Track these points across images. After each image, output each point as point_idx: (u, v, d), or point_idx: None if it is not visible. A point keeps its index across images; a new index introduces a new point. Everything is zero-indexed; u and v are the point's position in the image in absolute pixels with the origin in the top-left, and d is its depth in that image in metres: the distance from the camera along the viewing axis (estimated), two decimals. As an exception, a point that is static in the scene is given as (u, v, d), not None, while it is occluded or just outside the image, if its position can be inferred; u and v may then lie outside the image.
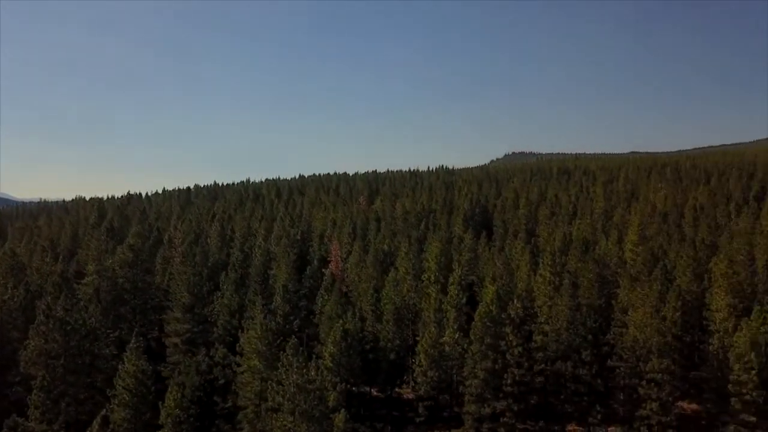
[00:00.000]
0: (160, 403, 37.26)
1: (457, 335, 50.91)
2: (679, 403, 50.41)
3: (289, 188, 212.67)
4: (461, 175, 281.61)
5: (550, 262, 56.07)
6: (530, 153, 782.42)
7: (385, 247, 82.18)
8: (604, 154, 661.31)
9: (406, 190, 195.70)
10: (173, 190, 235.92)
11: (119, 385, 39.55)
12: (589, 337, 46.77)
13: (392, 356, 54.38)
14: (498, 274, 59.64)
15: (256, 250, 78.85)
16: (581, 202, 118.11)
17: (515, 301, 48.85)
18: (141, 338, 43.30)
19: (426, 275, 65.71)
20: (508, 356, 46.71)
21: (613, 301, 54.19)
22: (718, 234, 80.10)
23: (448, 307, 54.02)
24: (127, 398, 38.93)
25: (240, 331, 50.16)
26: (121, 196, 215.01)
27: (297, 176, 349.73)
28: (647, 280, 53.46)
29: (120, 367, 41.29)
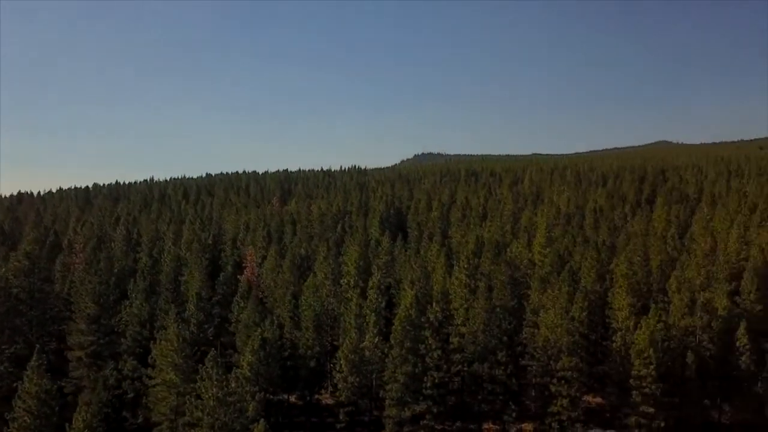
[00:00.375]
0: (67, 424, 34.86)
1: (377, 340, 51.25)
2: (585, 398, 53.36)
3: (197, 188, 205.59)
4: (374, 176, 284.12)
5: (465, 266, 57.65)
6: (438, 154, 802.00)
7: (302, 251, 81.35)
8: (509, 155, 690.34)
9: (320, 190, 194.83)
10: (70, 189, 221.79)
11: (19, 407, 36.61)
12: (504, 338, 48.58)
13: (312, 363, 53.89)
14: (416, 277, 60.58)
15: (166, 255, 75.60)
16: (490, 204, 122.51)
17: (434, 304, 49.90)
18: (43, 355, 40.26)
19: (345, 280, 65.67)
20: (427, 359, 47.59)
21: (525, 303, 56.51)
22: (616, 235, 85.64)
23: (368, 312, 54.24)
24: (28, 421, 36.13)
25: (152, 342, 47.95)
26: (10, 196, 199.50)
27: (204, 175, 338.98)
28: (556, 281, 56.13)
29: (19, 386, 38.29)
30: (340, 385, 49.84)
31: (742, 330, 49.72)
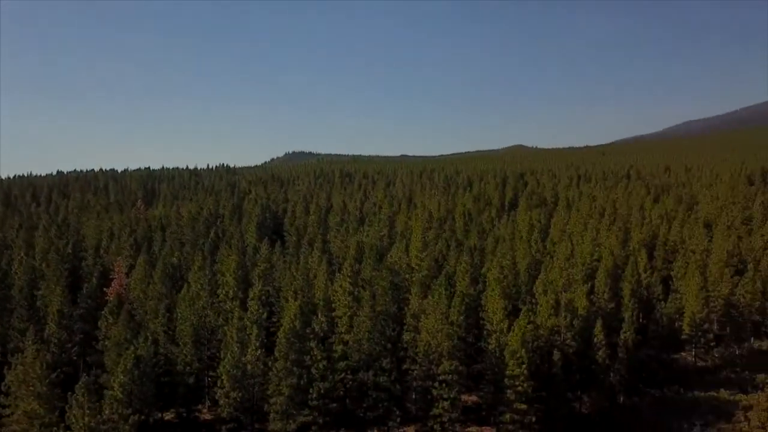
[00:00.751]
0: None
1: (259, 352, 50.02)
2: (462, 397, 55.86)
3: (48, 188, 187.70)
4: (244, 175, 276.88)
5: (349, 273, 58.01)
6: (310, 153, 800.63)
7: (174, 259, 77.23)
8: (379, 156, 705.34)
9: (187, 191, 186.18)
10: None
11: None
12: (389, 345, 49.57)
13: (191, 380, 51.44)
14: (298, 286, 59.95)
15: (18, 266, 68.33)
16: (366, 207, 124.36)
17: (319, 315, 49.65)
18: None
19: (223, 290, 63.35)
20: (313, 371, 47.34)
21: (406, 308, 57.98)
22: (485, 239, 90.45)
23: (249, 324, 52.71)
24: None
25: (5, 367, 43.16)
26: None
27: (55, 173, 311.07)
28: (434, 285, 58.20)
29: None
30: (221, 401, 48.02)
31: (598, 327, 54.75)
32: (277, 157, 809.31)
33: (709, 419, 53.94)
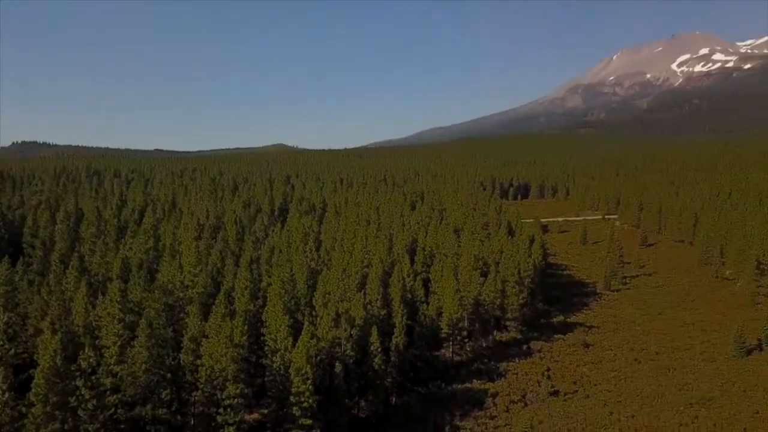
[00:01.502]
0: None
1: (6, 396, 42.87)
2: (247, 416, 54.83)
3: None
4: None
5: (118, 298, 52.75)
6: (44, 143, 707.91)
7: None
8: (130, 150, 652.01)
9: None
10: None
11: None
12: (168, 375, 46.44)
13: None
14: (54, 314, 52.62)
15: None
16: (125, 214, 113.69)
17: (87, 349, 44.37)
18: None
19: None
20: (80, 413, 42.18)
21: (184, 331, 54.83)
22: (260, 248, 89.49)
23: (-8, 364, 44.84)
24: None
25: None
26: None
27: None
28: (214, 305, 56.01)
29: None
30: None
31: (374, 335, 58.26)
32: (4, 147, 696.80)
33: (466, 408, 61.11)
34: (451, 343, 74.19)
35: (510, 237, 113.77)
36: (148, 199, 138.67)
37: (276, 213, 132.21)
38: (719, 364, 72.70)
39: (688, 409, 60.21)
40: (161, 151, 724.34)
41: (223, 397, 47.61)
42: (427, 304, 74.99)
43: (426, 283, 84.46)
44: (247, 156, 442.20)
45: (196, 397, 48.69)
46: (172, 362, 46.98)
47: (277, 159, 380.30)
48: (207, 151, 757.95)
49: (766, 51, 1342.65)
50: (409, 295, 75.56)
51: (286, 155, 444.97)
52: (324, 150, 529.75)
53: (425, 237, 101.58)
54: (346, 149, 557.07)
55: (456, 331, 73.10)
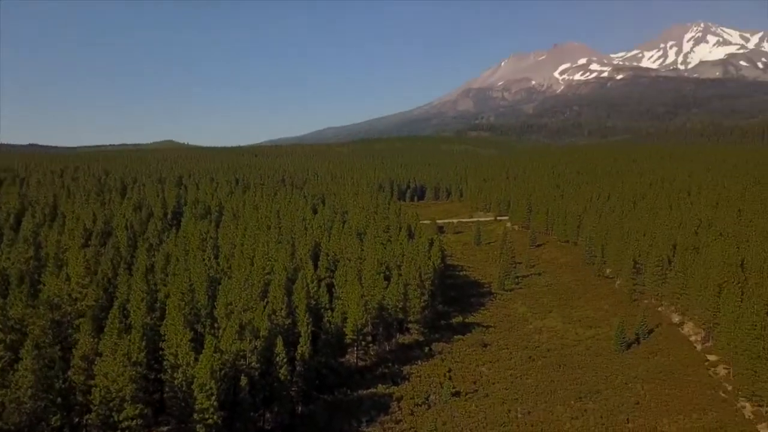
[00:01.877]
0: None
1: None
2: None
3: None
4: None
5: (-4, 316, 48.28)
6: None
7: None
8: (0, 144, 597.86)
9: None
10: None
11: None
12: (59, 399, 43.19)
13: None
14: None
15: None
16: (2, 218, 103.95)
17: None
18: None
19: None
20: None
21: (74, 349, 51.15)
22: (154, 255, 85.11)
23: None
24: None
25: None
26: None
27: None
28: (108, 320, 52.72)
29: None
30: None
31: (279, 346, 57.41)
32: None
33: (372, 414, 61.87)
34: (355, 348, 74.64)
35: (410, 239, 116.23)
36: (25, 202, 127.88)
37: (169, 217, 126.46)
38: (604, 359, 78.59)
39: (577, 402, 64.64)
40: (36, 146, 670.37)
41: (121, 419, 45.04)
42: (332, 310, 74.87)
43: (330, 288, 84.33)
44: (134, 153, 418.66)
45: (90, 420, 45.74)
46: (63, 385, 43.69)
47: (167, 157, 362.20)
48: (89, 147, 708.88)
49: (635, 63, 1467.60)
50: (314, 302, 75.10)
51: (177, 152, 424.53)
52: (217, 147, 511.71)
53: (328, 241, 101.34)
54: (240, 147, 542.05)
55: (361, 337, 73.67)
